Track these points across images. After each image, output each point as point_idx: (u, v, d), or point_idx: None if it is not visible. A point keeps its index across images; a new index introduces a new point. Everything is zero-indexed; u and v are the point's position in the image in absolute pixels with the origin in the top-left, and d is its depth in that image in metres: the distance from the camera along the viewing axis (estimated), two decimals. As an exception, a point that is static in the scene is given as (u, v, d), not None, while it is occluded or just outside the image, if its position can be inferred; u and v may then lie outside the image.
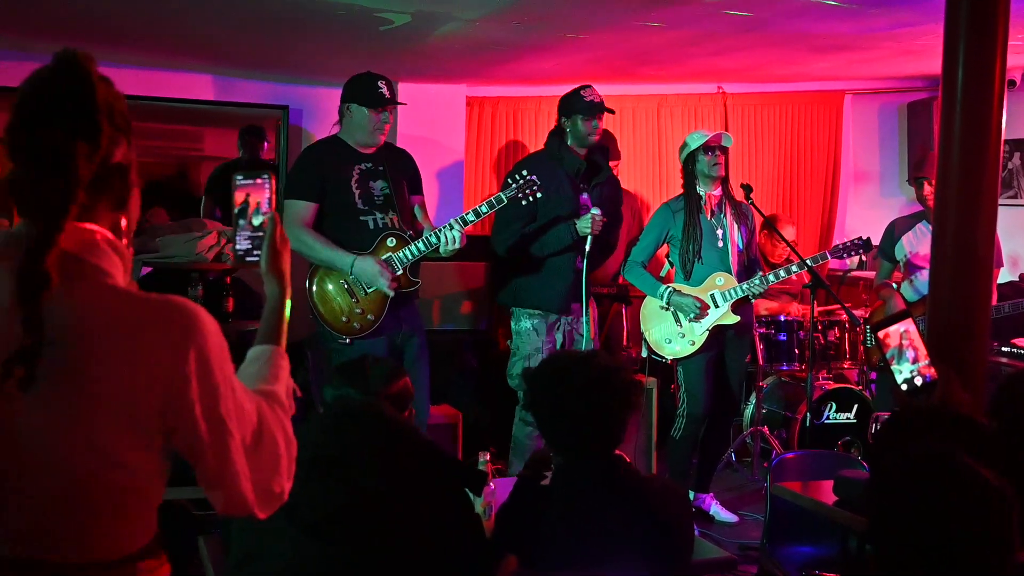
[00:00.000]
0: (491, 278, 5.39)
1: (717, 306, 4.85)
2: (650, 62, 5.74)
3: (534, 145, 6.45)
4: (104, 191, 1.45)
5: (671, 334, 4.94)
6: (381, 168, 4.45)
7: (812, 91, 7.27)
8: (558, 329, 4.91)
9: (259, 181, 1.76)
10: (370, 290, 4.29)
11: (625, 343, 6.26)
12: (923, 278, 5.14)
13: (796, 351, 5.94)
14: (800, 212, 7.32)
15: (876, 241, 5.32)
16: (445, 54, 5.30)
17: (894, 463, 1.73)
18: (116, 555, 1.41)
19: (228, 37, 5.08)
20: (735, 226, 4.97)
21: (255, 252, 1.74)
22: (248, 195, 1.76)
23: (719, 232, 4.92)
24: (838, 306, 6.25)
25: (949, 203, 2.26)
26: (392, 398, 2.68)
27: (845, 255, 4.97)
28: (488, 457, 3.27)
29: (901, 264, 5.33)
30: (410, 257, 4.33)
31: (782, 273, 4.89)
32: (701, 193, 4.92)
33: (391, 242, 4.35)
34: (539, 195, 4.44)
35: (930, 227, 5.12)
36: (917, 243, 5.24)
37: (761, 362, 5.83)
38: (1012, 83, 6.55)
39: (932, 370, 2.25)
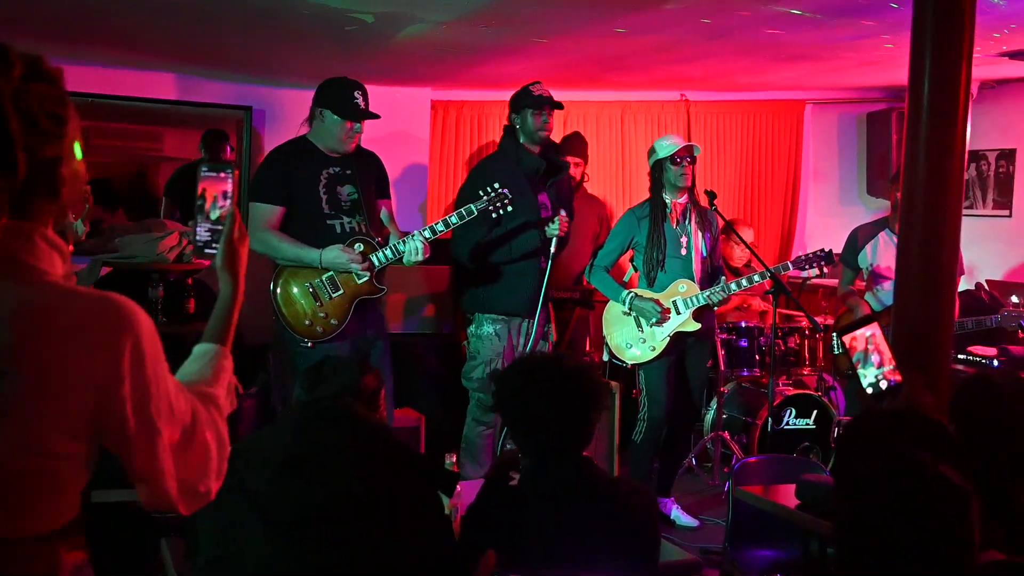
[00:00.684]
0: (454, 282, 5.39)
1: (679, 313, 4.88)
2: (616, 68, 5.77)
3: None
4: (33, 188, 1.42)
5: (632, 339, 4.97)
6: (349, 172, 4.41)
7: (773, 100, 7.36)
8: (520, 333, 4.93)
9: (222, 175, 1.76)
10: (335, 294, 4.27)
11: (588, 348, 6.29)
12: (887, 288, 5.20)
13: (756, 357, 6.00)
14: (760, 219, 7.40)
15: (838, 250, 5.38)
16: (411, 56, 5.29)
17: (859, 465, 1.75)
18: (35, 532, 1.41)
19: (191, 35, 5.03)
20: (699, 234, 5.00)
21: (214, 245, 1.74)
22: (208, 189, 1.76)
23: (683, 240, 4.95)
24: (799, 312, 6.34)
25: (915, 212, 2.29)
26: (362, 396, 2.67)
27: (807, 267, 5.02)
28: (454, 459, 3.27)
29: (864, 272, 5.40)
30: (377, 264, 4.31)
31: (744, 283, 4.94)
32: (667, 201, 4.95)
33: (358, 247, 4.32)
34: (509, 208, 4.43)
35: (893, 236, 5.26)
36: (880, 253, 5.31)
37: (723, 368, 5.87)
38: (968, 95, 6.68)
39: (897, 375, 2.28)
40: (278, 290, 4.28)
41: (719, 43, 4.93)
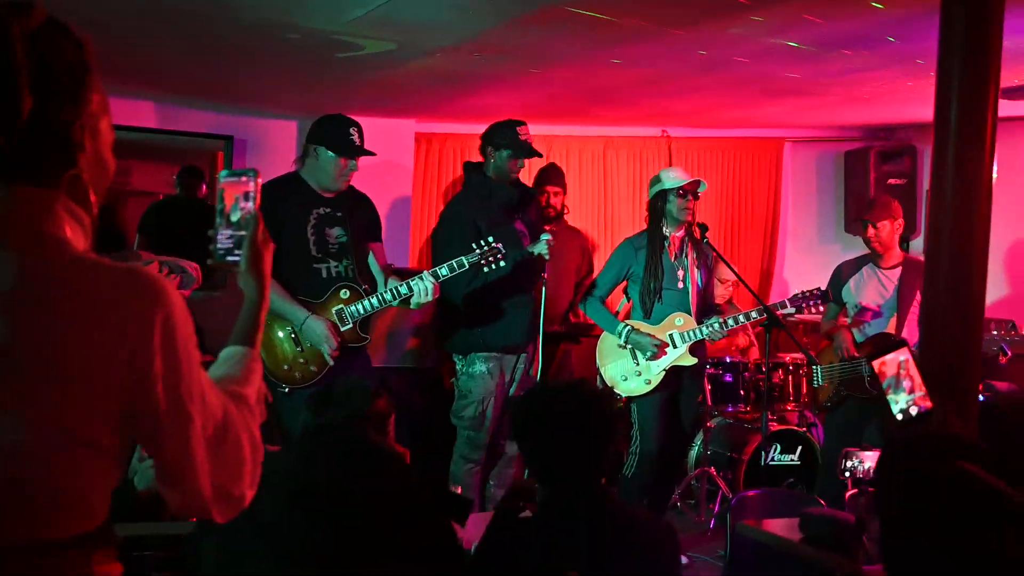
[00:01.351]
0: (439, 322, 5.30)
1: (675, 347, 4.84)
2: (601, 101, 5.77)
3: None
4: (44, 149, 1.34)
5: (627, 371, 4.91)
6: (339, 214, 4.34)
7: (753, 137, 7.40)
8: (513, 368, 4.85)
9: (243, 179, 1.67)
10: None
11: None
12: (869, 320, 5.24)
13: (741, 392, 5.96)
14: (740, 256, 7.40)
15: (818, 286, 5.37)
16: (397, 87, 5.25)
17: (913, 482, 1.69)
18: (66, 534, 1.31)
19: (172, 62, 4.95)
20: (696, 268, 4.98)
21: (236, 252, 1.65)
22: (230, 193, 1.67)
23: (680, 273, 4.92)
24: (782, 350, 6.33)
25: (942, 241, 2.26)
26: (373, 421, 2.57)
27: (803, 304, 5.01)
28: (460, 491, 3.18)
29: (849, 307, 5.40)
30: (362, 312, 4.23)
31: (741, 318, 4.93)
32: (666, 233, 4.92)
33: (344, 294, 4.25)
34: (502, 263, 4.33)
35: (876, 270, 5.28)
36: (863, 288, 5.33)
37: (708, 403, 5.83)
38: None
39: (928, 401, 2.24)
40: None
41: (710, 76, 4.95)
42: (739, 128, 7.21)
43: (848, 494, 3.98)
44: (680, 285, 4.92)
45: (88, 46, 1.40)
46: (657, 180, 4.97)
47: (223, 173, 1.69)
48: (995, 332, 5.54)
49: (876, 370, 2.24)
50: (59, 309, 1.28)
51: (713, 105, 6.01)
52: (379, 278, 4.47)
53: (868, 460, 3.48)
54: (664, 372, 4.85)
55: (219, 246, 1.66)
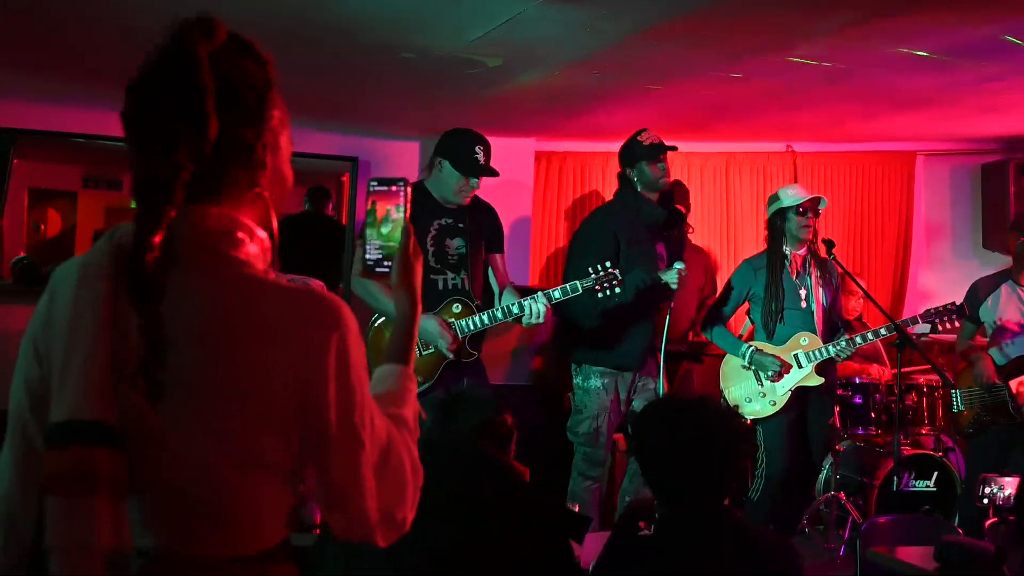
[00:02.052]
0: (559, 332, 5.29)
1: (800, 367, 4.72)
2: (723, 117, 5.68)
3: (604, 198, 6.40)
4: (228, 174, 1.35)
5: (752, 393, 4.81)
6: (461, 225, 4.36)
7: (883, 151, 7.17)
8: (630, 387, 4.78)
9: (393, 188, 1.64)
10: (426, 352, 4.19)
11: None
12: (1010, 341, 5.00)
13: (872, 415, 5.74)
14: (871, 273, 7.18)
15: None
16: (517, 107, 5.28)
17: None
18: (244, 551, 1.34)
19: (298, 86, 5.08)
20: (820, 286, 4.86)
21: (385, 263, 1.62)
22: (379, 203, 1.64)
23: (802, 292, 4.81)
24: (915, 368, 6.09)
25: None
26: (494, 437, 2.56)
27: (937, 320, 4.81)
28: (577, 509, 3.15)
29: (987, 327, 5.17)
30: (472, 328, 4.22)
31: (870, 336, 4.78)
32: (786, 252, 4.81)
33: (456, 308, 4.26)
34: (618, 290, 4.26)
35: (1017, 287, 5.06)
36: (1003, 306, 5.09)
37: (838, 425, 5.65)
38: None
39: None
40: (371, 337, 4.22)
41: (834, 88, 4.82)
42: (868, 142, 7.00)
43: (988, 522, 3.80)
44: (803, 304, 4.81)
45: (270, 63, 1.42)
46: (776, 198, 4.87)
47: (373, 182, 1.66)
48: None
49: (1014, 390, 2.13)
50: (237, 331, 1.30)
51: (839, 118, 5.86)
52: (496, 292, 4.49)
53: (1008, 487, 3.33)
54: (790, 393, 4.73)
55: (368, 256, 1.63)
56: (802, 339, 4.76)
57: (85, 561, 1.21)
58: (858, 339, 4.75)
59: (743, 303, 4.97)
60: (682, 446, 2.37)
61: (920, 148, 7.25)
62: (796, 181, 6.93)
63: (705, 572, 2.35)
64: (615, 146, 6.32)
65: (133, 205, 1.32)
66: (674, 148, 4.80)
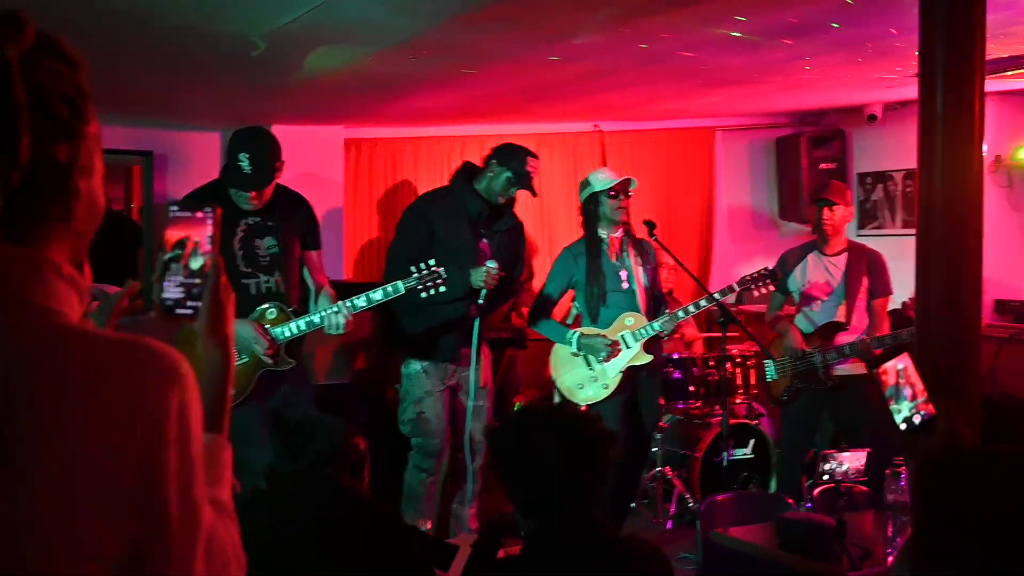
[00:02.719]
0: (378, 323, 5.10)
1: (628, 346, 4.71)
2: (537, 99, 5.60)
3: (415, 187, 6.22)
4: (38, 199, 1.08)
5: (583, 379, 4.77)
6: (271, 224, 4.10)
7: (684, 128, 7.32)
8: (451, 376, 4.70)
9: (199, 215, 1.35)
10: (240, 361, 3.93)
11: (520, 390, 6.06)
12: (817, 309, 5.17)
13: (691, 388, 5.87)
14: (678, 247, 7.27)
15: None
16: (325, 93, 5.00)
17: (969, 508, 1.57)
18: None
19: (91, 75, 4.64)
20: (639, 266, 4.86)
21: (188, 304, 1.33)
22: (180, 232, 1.35)
23: (623, 274, 4.81)
24: (730, 335, 6.22)
25: (934, 232, 2.14)
26: (346, 464, 2.35)
27: (752, 286, 4.91)
28: (429, 526, 2.98)
29: (795, 295, 5.32)
30: (288, 335, 4.02)
31: (691, 309, 4.82)
32: (603, 236, 4.79)
33: (271, 314, 4.03)
34: (442, 288, 4.14)
35: (822, 257, 5.22)
36: (810, 274, 5.25)
37: (662, 401, 5.72)
38: (873, 117, 6.74)
39: (930, 407, 2.12)
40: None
41: (646, 69, 4.81)
42: (670, 119, 7.13)
43: (816, 490, 3.89)
44: (625, 286, 4.81)
45: (83, 66, 1.14)
46: (587, 184, 4.85)
47: (173, 207, 1.36)
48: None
49: (878, 377, 2.11)
50: (50, 394, 1.01)
51: (647, 98, 5.90)
52: (312, 292, 4.26)
53: (846, 461, 3.39)
54: (621, 374, 4.72)
55: (166, 296, 1.34)
56: (627, 319, 4.75)
57: None
58: (680, 313, 4.79)
59: (567, 291, 4.92)
60: (544, 455, 2.24)
61: (719, 124, 7.43)
62: (604, 160, 6.97)
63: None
64: (427, 131, 6.18)
65: None
66: (534, 193, 4.81)
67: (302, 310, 4.16)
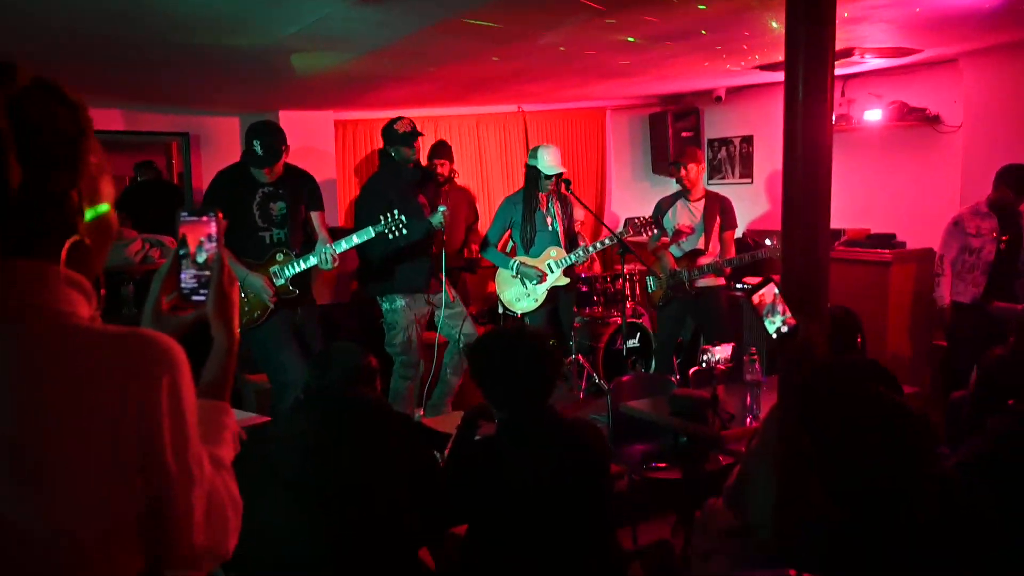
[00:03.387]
0: (361, 271, 4.88)
1: (552, 272, 4.64)
2: (478, 89, 5.38)
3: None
4: (41, 224, 0.95)
5: (520, 295, 4.71)
6: (281, 192, 4.05)
7: (584, 108, 7.15)
8: (426, 303, 4.55)
9: (204, 219, 1.22)
10: (254, 298, 3.98)
11: (470, 303, 5.95)
12: (684, 240, 5.14)
13: (595, 297, 5.83)
14: (582, 196, 7.20)
15: (640, 213, 5.22)
16: (319, 86, 4.72)
17: (841, 405, 1.51)
18: None
19: (137, 79, 4.30)
20: (560, 213, 4.77)
21: (201, 292, 1.20)
22: (190, 234, 1.22)
23: (548, 220, 4.74)
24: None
25: (796, 180, 2.07)
26: (363, 377, 2.23)
27: (642, 231, 4.86)
28: (422, 413, 2.88)
29: (668, 231, 5.27)
30: (291, 271, 4.02)
31: (599, 245, 4.76)
32: (537, 195, 4.68)
33: (279, 256, 4.04)
34: (404, 231, 4.07)
35: (687, 203, 5.17)
36: (678, 216, 5.21)
37: (575, 308, 5.66)
38: (719, 98, 6.64)
39: (792, 320, 2.06)
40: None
41: (561, 66, 4.62)
42: (575, 101, 6.94)
43: (692, 371, 3.89)
44: (550, 227, 4.73)
45: (82, 108, 0.98)
46: (535, 155, 4.71)
47: (183, 213, 1.22)
48: (769, 242, 5.52)
49: (755, 302, 2.05)
50: (59, 383, 0.90)
51: (558, 86, 5.71)
52: (319, 239, 4.16)
53: (719, 352, 3.37)
54: (546, 292, 4.65)
55: (184, 286, 1.21)
56: (551, 252, 4.67)
57: None
58: (590, 248, 4.71)
59: (507, 230, 4.80)
60: (516, 367, 2.16)
61: (608, 104, 7.27)
62: (527, 133, 6.77)
63: (540, 456, 2.18)
64: (398, 113, 5.88)
65: None
66: (421, 134, 4.54)
67: (307, 252, 4.09)
